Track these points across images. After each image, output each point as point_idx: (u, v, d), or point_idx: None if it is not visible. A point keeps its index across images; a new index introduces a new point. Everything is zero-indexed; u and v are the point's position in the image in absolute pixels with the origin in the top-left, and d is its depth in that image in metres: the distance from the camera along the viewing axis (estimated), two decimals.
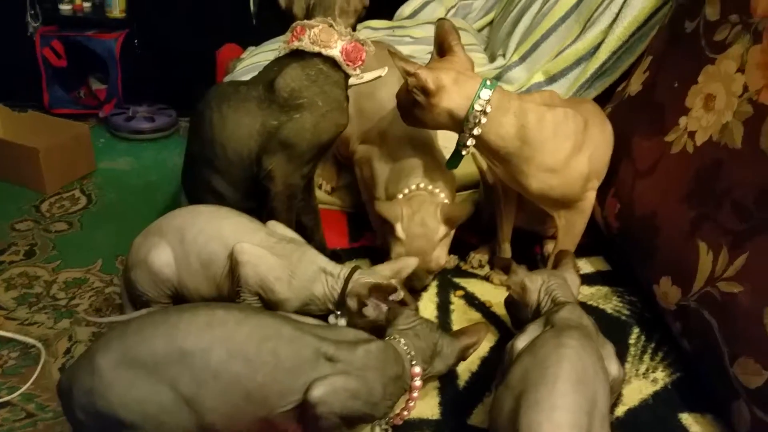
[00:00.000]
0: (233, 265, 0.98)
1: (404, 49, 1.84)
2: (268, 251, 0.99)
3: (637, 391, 0.97)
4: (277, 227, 1.07)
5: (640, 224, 1.12)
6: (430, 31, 2.01)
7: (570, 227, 1.13)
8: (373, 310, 0.95)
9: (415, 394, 0.89)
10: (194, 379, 0.77)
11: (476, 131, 1.02)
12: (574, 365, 0.76)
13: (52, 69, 3.16)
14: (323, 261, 1.01)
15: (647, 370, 1.00)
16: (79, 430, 0.81)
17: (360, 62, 1.10)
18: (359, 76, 1.14)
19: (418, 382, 0.88)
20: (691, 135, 1.05)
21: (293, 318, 0.88)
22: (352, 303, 0.96)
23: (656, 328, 1.07)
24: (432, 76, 1.01)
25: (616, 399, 0.93)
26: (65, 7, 3.20)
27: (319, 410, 0.79)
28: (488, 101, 1.01)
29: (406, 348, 0.88)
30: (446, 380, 0.98)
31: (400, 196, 1.15)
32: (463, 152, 1.07)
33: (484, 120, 1.01)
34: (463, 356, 0.94)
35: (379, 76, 1.18)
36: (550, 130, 1.04)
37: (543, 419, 0.71)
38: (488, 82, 1.02)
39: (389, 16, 2.32)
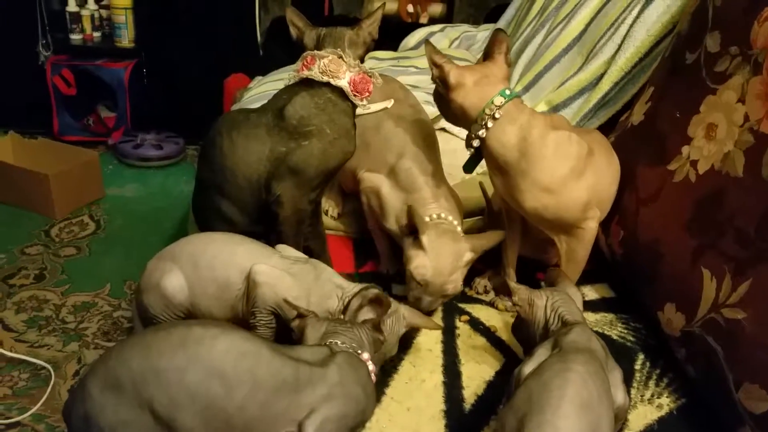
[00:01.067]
0: (250, 286, 1.00)
1: (408, 79, 1.87)
2: (285, 272, 1.01)
3: (642, 416, 0.97)
4: (288, 250, 1.09)
5: (644, 251, 1.13)
6: None
7: (571, 254, 1.14)
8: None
9: (373, 377, 0.91)
10: (171, 400, 0.75)
11: (482, 133, 1.06)
12: (579, 389, 0.76)
13: (62, 97, 3.22)
14: (339, 279, 1.05)
15: (652, 395, 1.01)
16: None
17: (367, 93, 1.14)
18: (366, 106, 1.17)
19: (371, 366, 0.91)
20: (694, 164, 1.07)
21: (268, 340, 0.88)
22: (354, 303, 1.00)
23: (661, 354, 1.08)
24: (455, 73, 1.06)
25: (621, 426, 0.94)
26: (76, 37, 3.28)
27: None
28: (499, 107, 1.04)
29: (344, 345, 0.90)
30: (452, 403, 0.99)
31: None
32: (468, 151, 1.11)
33: (490, 124, 1.05)
34: (378, 339, 0.95)
35: (386, 108, 1.21)
36: (550, 149, 1.06)
37: None
38: (507, 92, 1.06)
39: (394, 47, 2.37)
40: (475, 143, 1.08)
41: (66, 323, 2.06)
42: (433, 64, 1.08)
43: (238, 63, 2.60)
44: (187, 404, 0.76)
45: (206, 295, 1.02)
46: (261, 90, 1.93)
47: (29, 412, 1.67)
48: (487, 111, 1.05)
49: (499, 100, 1.05)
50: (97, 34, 3.32)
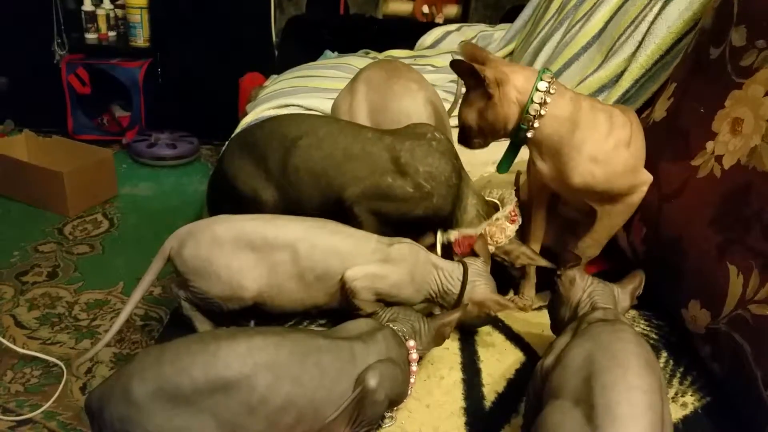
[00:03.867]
0: (349, 292, 1.01)
1: (425, 78, 1.87)
2: (383, 259, 1.03)
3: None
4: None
5: (668, 248, 1.11)
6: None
7: (610, 218, 1.13)
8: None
9: (414, 368, 0.93)
10: (240, 407, 0.76)
11: (543, 111, 1.03)
12: (641, 349, 0.77)
13: (76, 96, 3.24)
14: (434, 257, 1.07)
15: (676, 394, 0.99)
16: None
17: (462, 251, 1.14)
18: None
19: (414, 355, 0.93)
20: (719, 159, 1.05)
21: (318, 329, 0.91)
22: (472, 308, 1.05)
23: (685, 352, 1.06)
24: (497, 69, 1.04)
25: None
26: (91, 36, 3.29)
27: (377, 396, 0.84)
28: (551, 83, 1.04)
29: (396, 328, 0.94)
30: (472, 401, 0.97)
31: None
32: (528, 134, 1.06)
33: (549, 100, 1.03)
34: (441, 335, 0.99)
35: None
36: (601, 119, 1.06)
37: (621, 399, 0.71)
38: (545, 69, 1.06)
39: (410, 46, 2.36)
40: (536, 124, 1.04)
41: (78, 320, 2.07)
42: (481, 70, 1.03)
43: (254, 62, 2.61)
44: (259, 409, 0.77)
45: (302, 285, 1.02)
46: (276, 88, 1.93)
47: (41, 409, 1.67)
48: (542, 87, 1.03)
49: (548, 76, 1.04)
50: (112, 34, 3.34)
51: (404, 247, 1.06)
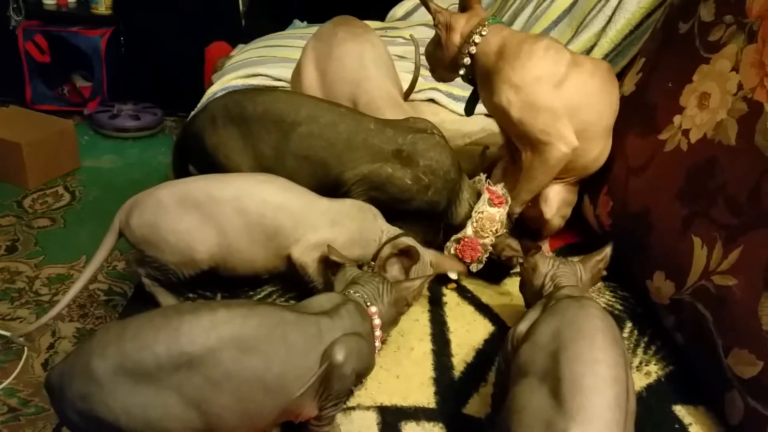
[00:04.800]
0: (300, 270, 1.02)
1: (397, 50, 1.86)
2: (332, 220, 1.04)
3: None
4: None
5: (634, 221, 1.13)
6: (422, 33, 2.04)
7: (530, 169, 1.17)
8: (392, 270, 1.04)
9: (378, 333, 0.91)
10: (205, 382, 0.74)
11: (472, 50, 1.17)
12: (606, 324, 0.78)
13: (35, 64, 3.12)
14: (381, 221, 1.08)
15: (640, 363, 1.01)
16: (69, 427, 0.78)
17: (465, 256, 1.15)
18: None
19: (377, 321, 0.91)
20: (686, 133, 1.07)
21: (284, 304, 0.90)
22: (385, 251, 1.05)
23: (649, 322, 1.09)
24: (453, 17, 1.20)
25: None
26: (49, 2, 3.17)
27: (344, 370, 0.82)
28: (484, 26, 1.17)
29: (357, 294, 0.92)
30: (442, 370, 0.98)
31: None
32: (461, 72, 1.21)
33: (478, 40, 1.17)
34: (404, 298, 0.96)
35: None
36: (525, 52, 1.13)
37: (586, 371, 0.72)
38: (491, 19, 1.19)
39: (382, 17, 2.34)
40: (466, 61, 1.18)
41: (40, 296, 2.02)
42: (436, 11, 1.20)
43: (220, 31, 2.54)
44: (224, 383, 0.75)
45: (252, 243, 1.01)
46: (243, 57, 1.89)
47: (1, 386, 1.63)
48: (476, 31, 1.17)
49: (486, 24, 1.17)
50: (72, 0, 3.22)
51: (354, 207, 1.07)
